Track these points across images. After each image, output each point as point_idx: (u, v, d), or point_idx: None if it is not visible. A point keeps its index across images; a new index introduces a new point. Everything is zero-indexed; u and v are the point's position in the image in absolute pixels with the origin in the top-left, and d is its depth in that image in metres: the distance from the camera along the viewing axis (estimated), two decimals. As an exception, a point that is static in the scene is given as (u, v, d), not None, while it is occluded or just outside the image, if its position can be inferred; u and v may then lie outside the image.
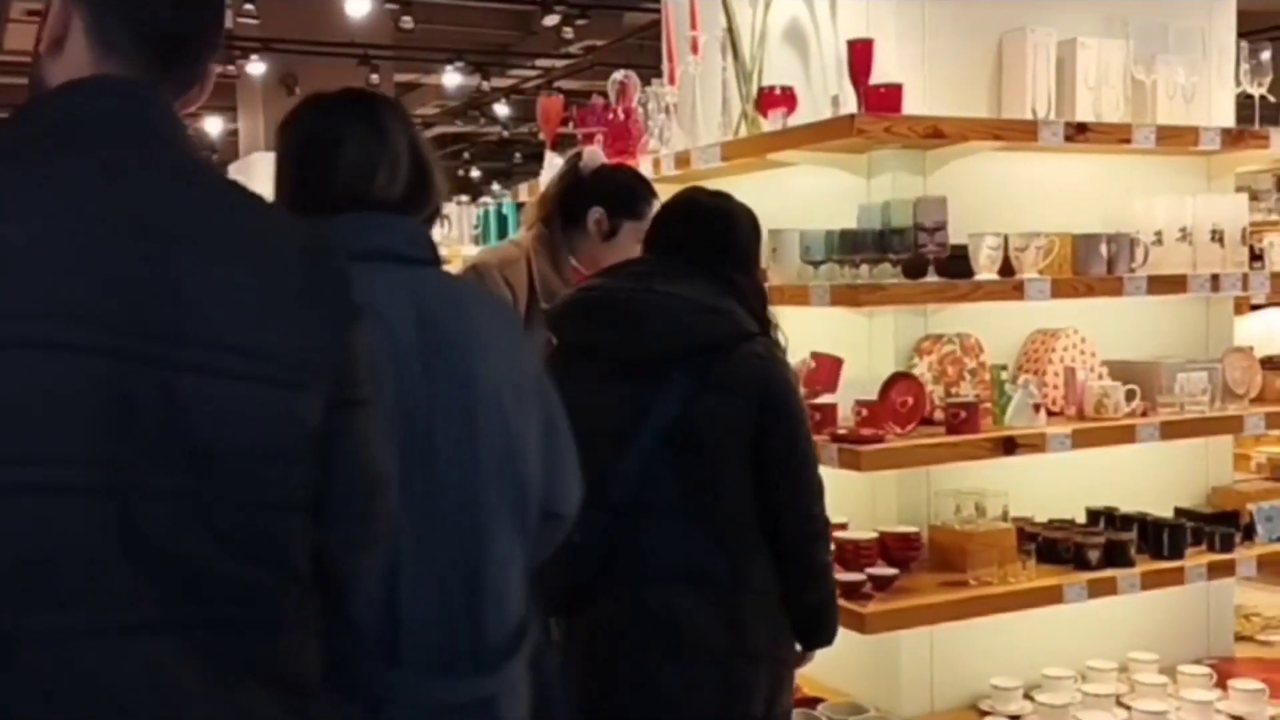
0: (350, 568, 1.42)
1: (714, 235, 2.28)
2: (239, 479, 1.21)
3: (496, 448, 1.62)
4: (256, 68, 11.65)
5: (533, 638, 1.69)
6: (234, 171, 12.15)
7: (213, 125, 15.91)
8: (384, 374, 1.46)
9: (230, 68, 12.07)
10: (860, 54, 3.11)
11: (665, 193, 4.28)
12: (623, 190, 2.91)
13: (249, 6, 10.25)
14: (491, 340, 1.68)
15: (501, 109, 15.43)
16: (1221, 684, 3.37)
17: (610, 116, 4.15)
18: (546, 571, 1.82)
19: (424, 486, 1.56)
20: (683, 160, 3.58)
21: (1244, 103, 3.61)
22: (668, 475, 2.10)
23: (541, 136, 4.63)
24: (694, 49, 3.73)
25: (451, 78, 13.37)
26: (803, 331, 2.98)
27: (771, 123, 3.34)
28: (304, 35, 11.41)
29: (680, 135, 3.78)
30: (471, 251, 4.94)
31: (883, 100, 3.02)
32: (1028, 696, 3.30)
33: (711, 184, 4.00)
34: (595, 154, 2.92)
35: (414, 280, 1.65)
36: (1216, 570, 3.32)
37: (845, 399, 3.09)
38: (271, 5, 10.81)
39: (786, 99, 3.34)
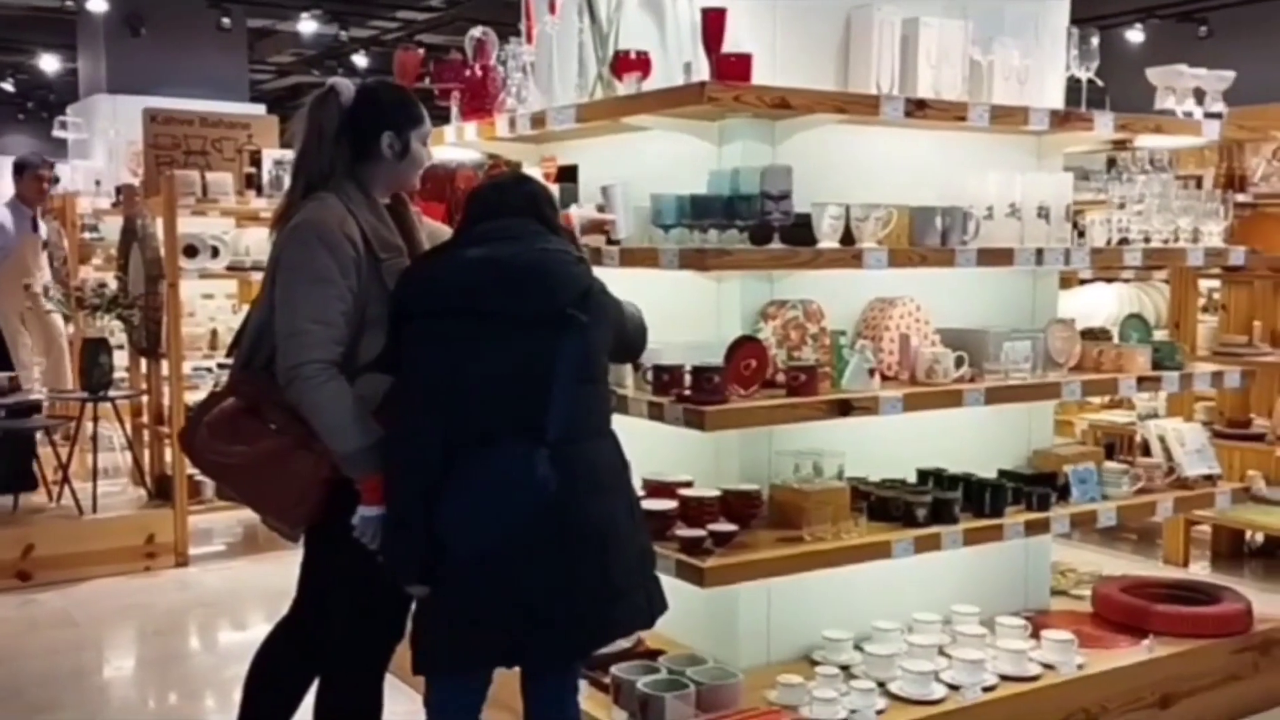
0: None
1: (546, 199, 2.65)
2: None
3: None
4: (98, 5, 11.09)
5: None
6: (73, 113, 11.57)
7: (49, 63, 15.12)
8: None
9: (69, 2, 11.48)
10: (713, 22, 3.17)
11: (521, 154, 4.32)
12: (399, 105, 2.83)
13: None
14: None
15: (360, 60, 15.06)
16: (1035, 634, 3.60)
17: (468, 73, 4.13)
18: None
19: None
20: (538, 120, 3.59)
21: (1073, 86, 3.80)
22: (582, 399, 2.44)
23: (398, 90, 4.56)
24: (551, 9, 3.73)
25: (308, 25, 12.98)
26: (652, 293, 3.04)
27: (626, 86, 3.37)
28: (151, -27, 10.93)
29: (537, 95, 3.78)
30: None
31: (733, 69, 3.09)
32: (858, 647, 3.47)
33: (567, 145, 4.07)
34: (344, 83, 2.81)
35: None
36: (1033, 528, 3.53)
37: (690, 360, 3.16)
38: (116, -60, 10.32)
39: (641, 63, 3.37)
